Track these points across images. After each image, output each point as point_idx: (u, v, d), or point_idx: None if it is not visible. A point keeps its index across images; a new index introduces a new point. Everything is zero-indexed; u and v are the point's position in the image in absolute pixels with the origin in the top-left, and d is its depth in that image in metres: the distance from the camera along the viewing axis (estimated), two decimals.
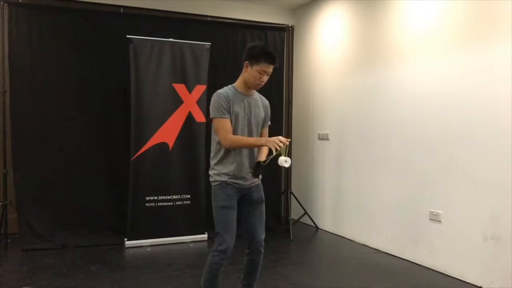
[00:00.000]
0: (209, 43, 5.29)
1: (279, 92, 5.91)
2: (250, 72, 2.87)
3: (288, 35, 5.98)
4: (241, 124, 2.92)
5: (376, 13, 4.99)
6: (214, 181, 2.96)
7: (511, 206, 3.59)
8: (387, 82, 4.83)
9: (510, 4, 3.59)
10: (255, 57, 2.84)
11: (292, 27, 6.03)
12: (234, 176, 2.92)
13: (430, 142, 4.29)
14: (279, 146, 2.70)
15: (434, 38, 4.26)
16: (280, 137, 2.76)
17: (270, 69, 2.89)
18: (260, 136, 3.08)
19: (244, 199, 3.01)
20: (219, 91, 2.93)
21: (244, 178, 2.96)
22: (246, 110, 2.95)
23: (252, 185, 3.03)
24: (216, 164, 2.96)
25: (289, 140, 2.79)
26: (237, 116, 2.90)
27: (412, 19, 4.51)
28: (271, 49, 2.95)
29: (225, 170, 2.92)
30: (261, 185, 3.11)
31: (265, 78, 2.90)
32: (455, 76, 4.05)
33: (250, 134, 2.97)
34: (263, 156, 2.97)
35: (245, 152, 2.96)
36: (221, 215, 2.93)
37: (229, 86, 2.98)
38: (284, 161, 2.74)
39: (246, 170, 2.96)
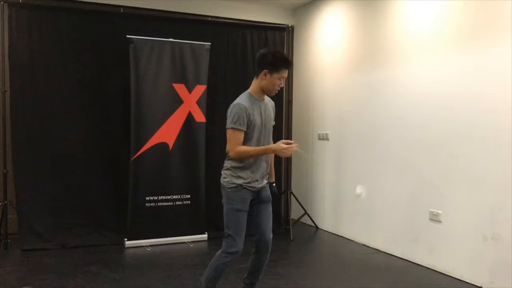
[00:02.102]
0: (209, 43, 5.29)
1: (279, 92, 5.87)
2: (270, 80, 2.95)
3: (288, 35, 5.99)
4: (257, 131, 2.99)
5: (376, 13, 4.99)
6: (230, 183, 2.97)
7: (511, 206, 3.59)
8: (387, 82, 4.83)
9: (510, 4, 3.59)
10: (275, 65, 2.92)
11: (292, 27, 6.03)
12: (251, 180, 2.97)
13: (430, 142, 4.29)
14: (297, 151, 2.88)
15: (434, 38, 4.26)
16: (282, 144, 2.86)
17: (287, 73, 3.00)
18: None
19: (253, 198, 3.05)
20: (240, 102, 2.93)
21: (258, 181, 3.01)
22: (263, 116, 3.02)
23: (263, 186, 3.10)
24: (234, 167, 2.98)
25: (294, 143, 2.89)
26: (255, 125, 2.95)
27: (412, 19, 4.51)
28: (286, 54, 3.07)
29: (243, 174, 2.96)
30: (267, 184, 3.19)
31: (283, 83, 3.02)
32: (455, 76, 4.04)
33: (264, 138, 3.04)
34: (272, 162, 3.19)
35: (263, 156, 3.03)
36: (235, 218, 2.95)
37: (246, 93, 3.01)
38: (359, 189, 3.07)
39: (262, 174, 3.03)
